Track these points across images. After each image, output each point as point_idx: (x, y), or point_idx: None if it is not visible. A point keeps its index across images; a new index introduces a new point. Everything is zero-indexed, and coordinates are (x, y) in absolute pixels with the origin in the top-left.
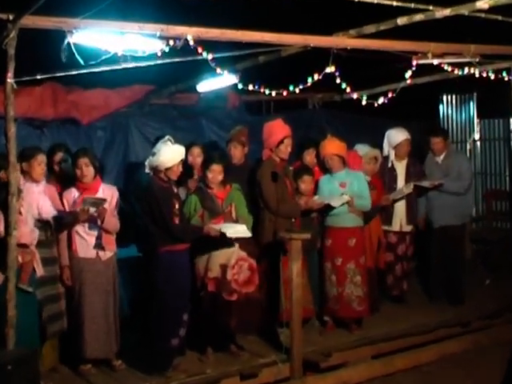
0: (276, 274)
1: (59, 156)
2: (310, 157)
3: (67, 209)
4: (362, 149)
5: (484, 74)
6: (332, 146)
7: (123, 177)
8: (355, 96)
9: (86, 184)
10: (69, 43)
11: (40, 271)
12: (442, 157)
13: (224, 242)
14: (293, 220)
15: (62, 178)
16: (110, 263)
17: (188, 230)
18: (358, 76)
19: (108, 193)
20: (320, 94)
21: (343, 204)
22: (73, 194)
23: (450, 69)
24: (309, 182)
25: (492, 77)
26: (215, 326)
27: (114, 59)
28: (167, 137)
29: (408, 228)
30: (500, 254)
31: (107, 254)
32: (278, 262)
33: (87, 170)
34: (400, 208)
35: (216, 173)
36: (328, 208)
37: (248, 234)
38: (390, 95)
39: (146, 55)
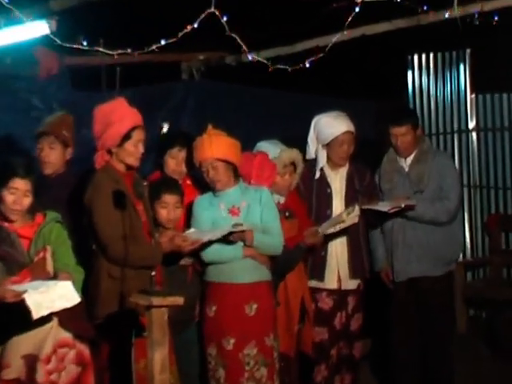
0: (125, 368)
1: None
2: (176, 162)
3: None
4: (271, 149)
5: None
6: (215, 146)
7: None
8: (255, 57)
9: None
10: None
11: None
12: (409, 160)
13: (30, 315)
14: (152, 273)
15: None
16: None
17: None
18: (263, 26)
19: None
20: (201, 55)
21: (234, 241)
22: None
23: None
24: (174, 204)
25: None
26: None
27: None
28: None
29: (352, 284)
30: (509, 323)
31: None
32: (129, 347)
33: None
34: (338, 251)
35: (19, 194)
36: (210, 248)
37: (75, 300)
38: (316, 56)
39: None
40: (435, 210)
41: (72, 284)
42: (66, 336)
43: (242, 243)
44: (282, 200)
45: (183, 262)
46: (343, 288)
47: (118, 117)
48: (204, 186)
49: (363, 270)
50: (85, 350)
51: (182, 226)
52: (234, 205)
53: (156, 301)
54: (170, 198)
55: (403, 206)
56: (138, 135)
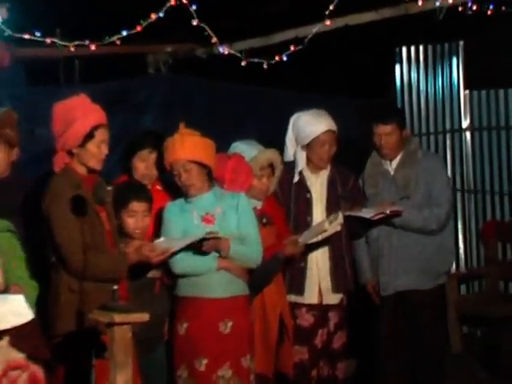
0: None
1: None
2: (146, 166)
3: None
4: (247, 149)
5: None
6: (188, 146)
7: None
8: (227, 50)
9: None
10: None
11: None
12: (395, 162)
13: None
14: (115, 287)
15: None
16: None
17: None
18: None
19: None
20: (169, 47)
21: (208, 252)
22: None
23: None
24: (143, 213)
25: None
26: None
27: None
28: None
29: (334, 299)
30: (510, 343)
31: None
32: (89, 370)
33: None
34: (319, 262)
35: None
36: (181, 259)
37: (28, 316)
38: (294, 48)
39: None
40: (424, 217)
41: (24, 299)
42: (19, 357)
43: (216, 254)
44: (259, 205)
45: (151, 274)
46: (325, 303)
47: (79, 114)
48: (175, 191)
49: (346, 282)
50: (39, 372)
51: (150, 235)
52: (208, 212)
53: (118, 317)
54: (138, 206)
55: (388, 212)
56: (102, 135)
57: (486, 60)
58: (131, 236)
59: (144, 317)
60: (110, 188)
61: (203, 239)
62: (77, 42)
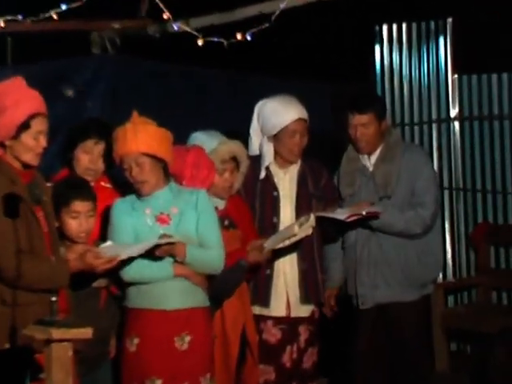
0: None
1: None
2: (90, 158)
3: None
4: (207, 141)
5: None
6: (141, 137)
7: None
8: (183, 27)
9: None
10: None
11: None
12: (374, 157)
13: None
14: (53, 298)
15: None
16: None
17: None
18: None
19: None
20: (116, 23)
21: (162, 257)
22: None
23: None
24: (87, 213)
25: None
26: None
27: None
28: None
29: (304, 311)
30: (506, 361)
31: None
32: None
33: None
34: (287, 269)
35: None
36: (131, 266)
37: None
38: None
39: None
40: (406, 218)
41: None
42: None
43: (171, 259)
44: (221, 205)
45: (96, 283)
46: (293, 315)
47: (12, 101)
48: (124, 188)
49: (318, 293)
50: None
51: (95, 239)
52: (162, 211)
53: (57, 333)
54: (81, 206)
55: (364, 213)
56: (39, 125)
57: (477, 40)
58: (73, 240)
59: (87, 332)
60: (48, 184)
61: (157, 246)
62: (9, 17)
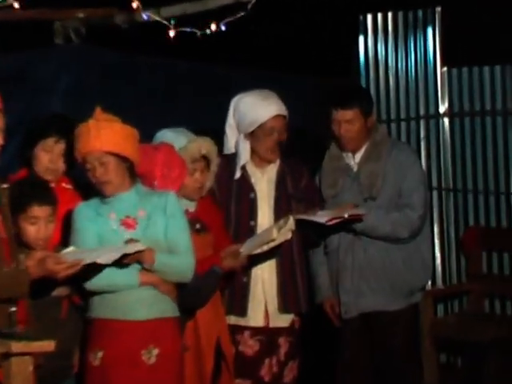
0: None
1: None
2: (50, 158)
3: None
4: (175, 138)
5: None
6: (105, 135)
7: None
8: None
9: None
10: None
11: None
12: (358, 156)
13: None
14: (12, 308)
15: None
16: None
17: None
18: None
19: None
20: (81, 12)
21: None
22: None
23: None
24: (46, 218)
25: None
26: None
27: None
28: None
29: (284, 321)
30: (496, 372)
31: None
32: None
33: None
34: (265, 276)
35: None
36: (94, 274)
37: None
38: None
39: None
40: (392, 221)
41: None
42: None
43: (138, 266)
44: (192, 207)
45: (57, 292)
46: (272, 325)
47: None
48: (87, 189)
49: (298, 301)
50: None
51: (56, 244)
52: (128, 215)
53: (17, 346)
54: (40, 211)
55: (347, 216)
56: None
57: (467, 30)
58: (32, 246)
59: (49, 345)
60: (5, 186)
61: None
62: None
